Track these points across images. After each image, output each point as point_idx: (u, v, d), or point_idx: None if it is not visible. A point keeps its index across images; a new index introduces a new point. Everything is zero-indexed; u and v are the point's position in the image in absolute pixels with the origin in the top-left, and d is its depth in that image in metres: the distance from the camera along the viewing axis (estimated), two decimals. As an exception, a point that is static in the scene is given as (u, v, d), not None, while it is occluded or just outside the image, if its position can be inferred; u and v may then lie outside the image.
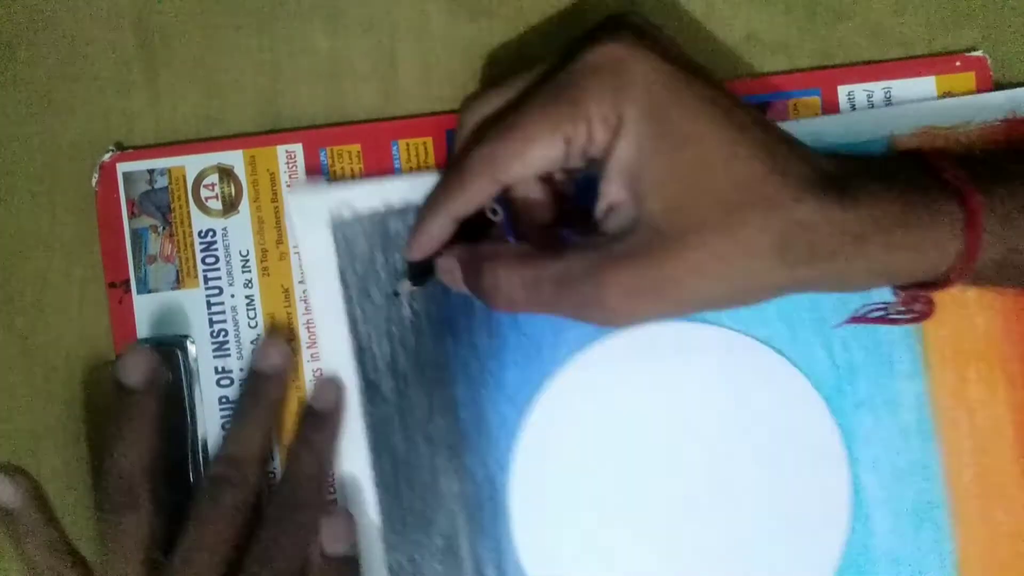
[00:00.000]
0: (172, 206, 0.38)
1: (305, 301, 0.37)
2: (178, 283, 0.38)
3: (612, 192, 0.31)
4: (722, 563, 0.37)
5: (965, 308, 0.38)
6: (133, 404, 0.34)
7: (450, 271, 0.34)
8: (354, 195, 0.37)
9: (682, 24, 0.38)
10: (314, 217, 0.37)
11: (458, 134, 0.34)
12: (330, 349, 0.37)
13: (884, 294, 0.36)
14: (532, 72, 0.33)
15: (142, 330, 0.37)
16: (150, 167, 0.38)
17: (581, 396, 0.37)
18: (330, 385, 0.37)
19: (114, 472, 0.33)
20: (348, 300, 0.37)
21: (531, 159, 0.31)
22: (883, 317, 0.36)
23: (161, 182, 0.37)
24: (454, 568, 0.37)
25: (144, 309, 0.37)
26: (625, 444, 0.37)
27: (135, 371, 0.34)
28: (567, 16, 0.39)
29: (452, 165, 0.33)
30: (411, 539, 0.37)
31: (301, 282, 0.37)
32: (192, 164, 0.37)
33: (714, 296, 0.30)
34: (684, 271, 0.29)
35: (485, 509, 0.37)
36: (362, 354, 0.37)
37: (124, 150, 0.38)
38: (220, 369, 0.37)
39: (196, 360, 0.37)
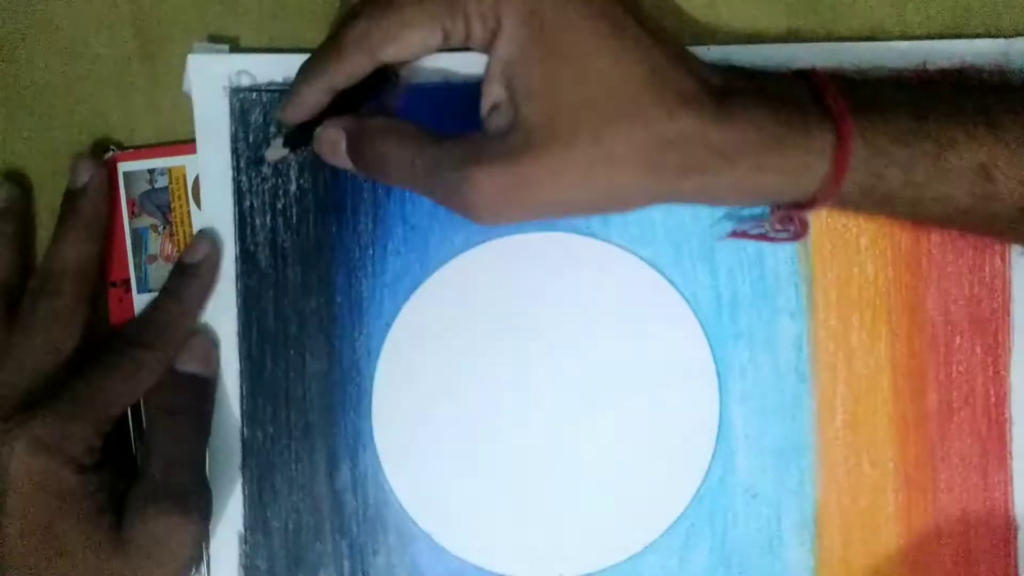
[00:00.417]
0: (172, 205, 0.37)
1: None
2: None
3: (493, 92, 0.31)
4: (581, 476, 0.37)
5: (857, 253, 0.37)
6: (76, 207, 0.36)
7: (333, 142, 0.33)
8: (255, 65, 0.37)
9: (682, 23, 0.38)
10: (212, 80, 0.37)
11: None
12: (212, 214, 0.37)
13: (764, 211, 0.36)
14: None
15: None
16: (150, 167, 0.37)
17: (459, 295, 0.37)
18: (203, 240, 0.37)
19: (45, 263, 0.35)
20: (236, 168, 0.37)
21: (407, 44, 0.32)
22: (763, 234, 0.36)
23: (161, 182, 0.37)
24: (307, 448, 0.37)
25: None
26: (496, 348, 0.37)
27: (82, 176, 0.36)
28: None
29: (331, 34, 0.33)
30: (269, 413, 0.37)
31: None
32: (192, 163, 0.37)
33: (577, 201, 0.31)
34: (546, 174, 0.30)
35: (348, 394, 0.37)
36: (243, 223, 0.37)
37: (124, 150, 0.38)
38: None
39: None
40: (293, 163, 0.37)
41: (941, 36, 0.38)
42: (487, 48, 0.31)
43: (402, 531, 0.37)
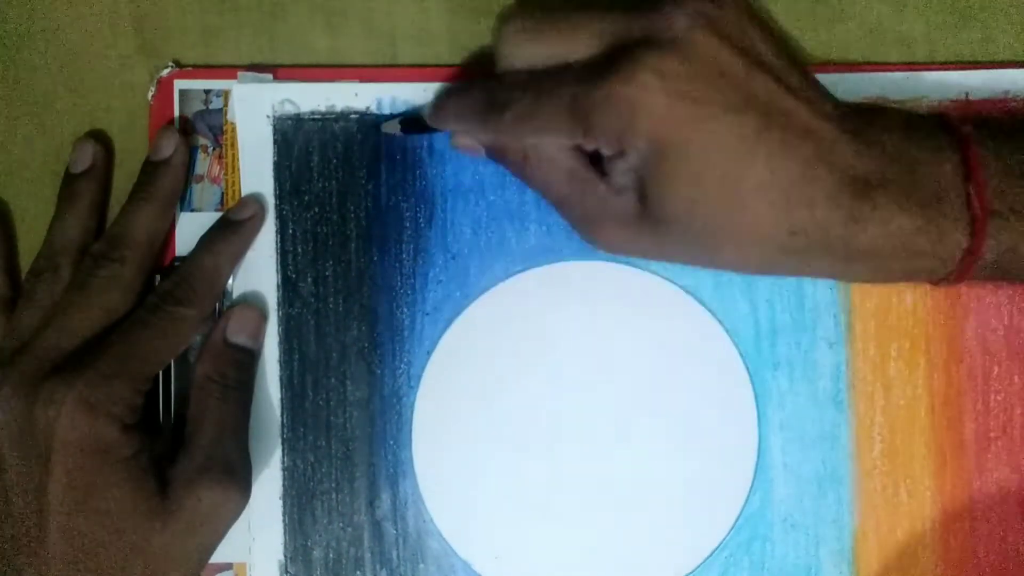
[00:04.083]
0: (224, 128, 0.37)
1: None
2: (222, 205, 0.37)
3: (618, 177, 0.32)
4: (620, 505, 0.37)
5: (896, 284, 0.37)
6: (76, 189, 0.36)
7: (469, 148, 0.35)
8: (299, 94, 0.37)
9: None
10: (256, 109, 0.37)
11: (501, 53, 0.32)
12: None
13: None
14: (584, 29, 0.31)
15: (182, 247, 0.37)
16: (207, 87, 0.37)
17: (500, 323, 0.37)
18: (251, 200, 0.37)
19: (113, 229, 0.35)
20: (278, 196, 0.37)
21: (546, 141, 0.33)
22: None
23: (216, 103, 0.37)
24: (349, 476, 0.37)
25: (186, 227, 0.37)
26: (537, 376, 0.37)
27: (82, 160, 0.36)
28: None
29: (492, 96, 0.33)
30: (310, 441, 0.37)
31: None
32: None
33: (701, 264, 0.33)
34: (678, 248, 0.32)
35: (389, 422, 0.37)
36: (285, 251, 0.37)
37: (183, 67, 0.38)
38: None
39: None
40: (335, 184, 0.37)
41: (941, 36, 0.38)
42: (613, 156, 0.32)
43: (442, 561, 0.37)
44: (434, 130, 0.35)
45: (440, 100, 0.35)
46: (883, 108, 0.33)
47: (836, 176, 0.30)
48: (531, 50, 0.31)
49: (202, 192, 0.37)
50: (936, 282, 0.32)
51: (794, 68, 0.31)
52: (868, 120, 0.31)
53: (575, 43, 0.31)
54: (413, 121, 0.36)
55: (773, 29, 0.32)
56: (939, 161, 0.31)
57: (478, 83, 0.33)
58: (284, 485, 0.37)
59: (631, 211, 0.31)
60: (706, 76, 0.29)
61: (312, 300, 0.37)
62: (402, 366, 0.37)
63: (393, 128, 0.36)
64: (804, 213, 0.30)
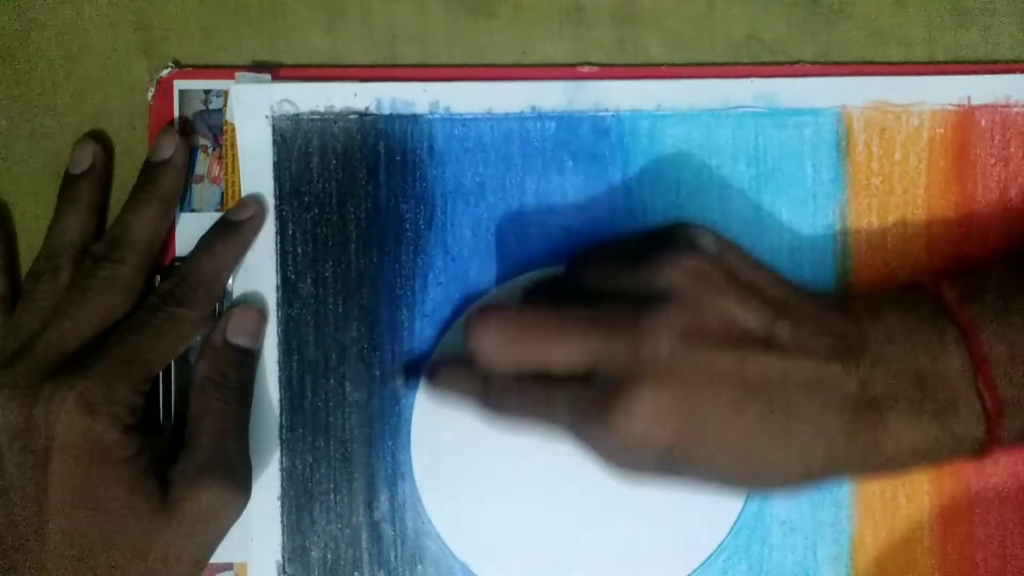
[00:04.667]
0: (224, 128, 0.37)
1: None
2: (222, 205, 0.37)
3: None
4: (618, 509, 0.37)
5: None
6: (75, 189, 0.36)
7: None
8: (297, 94, 0.37)
9: (682, 24, 0.38)
10: (254, 109, 0.37)
11: (481, 355, 0.32)
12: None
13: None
14: (567, 342, 0.31)
15: (182, 248, 0.37)
16: (207, 87, 0.37)
17: (499, 325, 0.37)
18: (251, 201, 0.37)
19: (114, 230, 0.35)
20: (278, 196, 0.37)
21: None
22: None
23: (216, 103, 0.37)
24: (347, 477, 0.37)
25: (186, 228, 0.37)
26: (537, 378, 0.37)
27: (81, 161, 0.36)
28: (567, 16, 0.38)
29: (486, 396, 0.33)
30: (308, 442, 0.37)
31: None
32: None
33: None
34: (687, 479, 0.31)
35: (388, 424, 0.37)
36: (284, 252, 0.37)
37: (183, 68, 0.37)
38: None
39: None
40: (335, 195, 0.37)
41: (941, 36, 0.38)
42: None
43: (440, 562, 0.37)
44: None
45: (433, 381, 0.34)
46: (875, 304, 0.32)
47: (848, 416, 0.30)
48: (512, 359, 0.31)
49: (202, 192, 0.37)
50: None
51: (782, 314, 0.31)
52: (865, 333, 0.31)
53: (558, 360, 0.31)
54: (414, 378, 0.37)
55: (747, 264, 0.31)
56: (944, 360, 0.31)
57: (468, 373, 0.33)
58: (283, 486, 0.37)
59: (655, 471, 0.31)
60: (702, 391, 0.29)
61: (312, 301, 0.37)
62: (402, 368, 0.37)
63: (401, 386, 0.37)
64: (823, 462, 0.30)
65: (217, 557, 0.35)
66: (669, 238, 0.32)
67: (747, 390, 0.30)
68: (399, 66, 0.38)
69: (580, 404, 0.30)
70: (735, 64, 0.38)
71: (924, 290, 0.33)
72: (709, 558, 0.37)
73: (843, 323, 0.31)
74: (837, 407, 0.30)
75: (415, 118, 0.37)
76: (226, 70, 0.37)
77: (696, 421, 0.29)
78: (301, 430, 0.37)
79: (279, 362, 0.37)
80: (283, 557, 0.37)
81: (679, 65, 0.38)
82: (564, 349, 0.30)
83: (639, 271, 0.31)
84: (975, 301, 0.32)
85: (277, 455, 0.37)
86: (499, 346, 0.31)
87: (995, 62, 0.38)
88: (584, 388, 0.30)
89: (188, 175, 0.37)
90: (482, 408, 0.33)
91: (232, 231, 0.36)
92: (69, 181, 0.37)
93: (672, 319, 0.29)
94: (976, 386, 0.30)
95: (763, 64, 0.38)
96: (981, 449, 0.31)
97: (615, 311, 0.30)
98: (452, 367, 0.34)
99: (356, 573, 0.37)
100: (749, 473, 0.31)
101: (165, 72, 0.37)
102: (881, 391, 0.30)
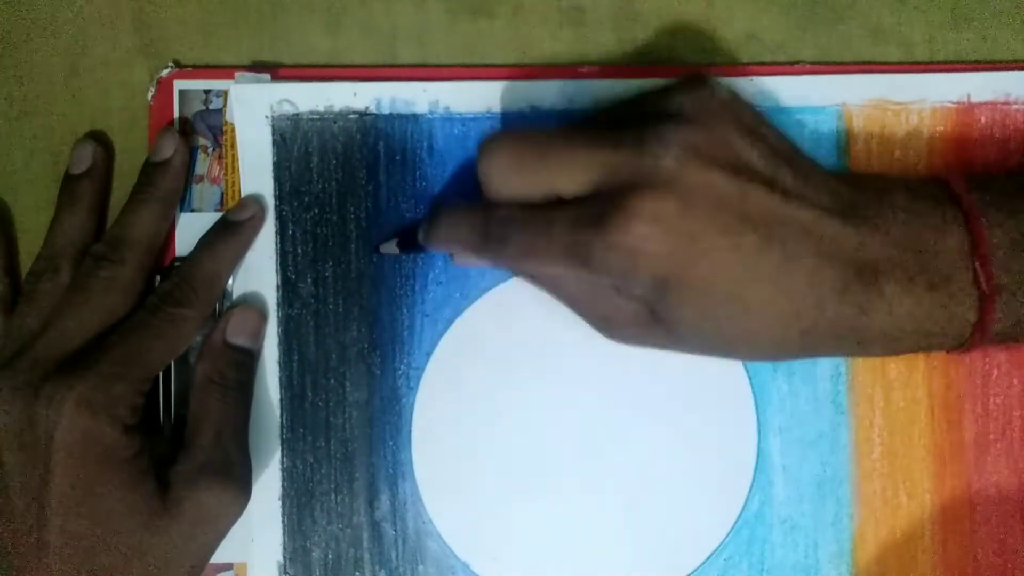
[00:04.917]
0: (224, 128, 0.37)
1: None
2: (222, 205, 0.37)
3: (627, 294, 0.32)
4: (619, 507, 0.37)
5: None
6: (76, 190, 0.36)
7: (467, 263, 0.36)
8: (297, 94, 0.37)
9: (682, 24, 0.38)
10: (254, 109, 0.37)
11: (489, 183, 0.32)
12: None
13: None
14: (573, 165, 0.31)
15: (182, 248, 0.37)
16: (207, 87, 0.37)
17: (499, 325, 0.37)
18: (251, 201, 0.37)
19: (114, 230, 0.35)
20: (278, 196, 0.37)
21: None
22: None
23: (216, 103, 0.37)
24: (348, 477, 0.37)
25: (186, 228, 0.37)
26: (536, 379, 0.37)
27: (81, 161, 0.36)
28: (567, 15, 0.38)
29: (486, 228, 0.33)
30: (309, 442, 0.37)
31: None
32: None
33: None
34: (683, 345, 0.33)
35: (388, 423, 0.37)
36: (284, 252, 0.37)
37: (183, 68, 0.37)
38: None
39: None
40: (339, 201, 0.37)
41: (941, 36, 0.38)
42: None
43: (440, 562, 0.37)
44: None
45: (432, 224, 0.34)
46: (884, 181, 0.33)
47: (841, 271, 0.30)
48: (521, 183, 0.31)
49: (202, 192, 0.37)
50: (947, 351, 0.33)
51: (787, 163, 0.31)
52: (869, 200, 0.31)
53: (565, 179, 0.31)
54: (410, 239, 0.36)
55: (758, 118, 0.32)
56: (944, 237, 0.31)
57: (469, 210, 0.33)
58: (283, 486, 0.37)
59: (644, 318, 0.32)
60: (701, 209, 0.29)
61: (312, 301, 0.37)
62: (401, 367, 0.37)
63: (391, 249, 0.36)
64: (814, 314, 0.30)
65: (217, 557, 0.35)
66: (688, 77, 0.32)
67: (745, 220, 0.30)
68: (399, 66, 0.38)
69: (582, 220, 0.30)
70: (735, 63, 0.38)
71: (935, 179, 0.33)
72: (710, 557, 0.37)
73: (849, 190, 0.32)
74: (831, 259, 0.30)
75: (415, 118, 0.37)
76: (226, 70, 0.37)
77: (692, 242, 0.29)
78: (302, 430, 0.37)
79: (279, 362, 0.37)
80: (284, 557, 0.37)
81: (679, 65, 0.38)
82: (571, 167, 0.30)
83: (655, 98, 0.31)
84: (983, 191, 0.32)
85: (278, 455, 0.37)
86: (509, 167, 0.31)
87: (995, 62, 0.38)
88: (587, 205, 0.30)
89: (188, 175, 0.37)
90: (482, 245, 0.33)
91: (232, 231, 0.36)
92: (69, 181, 0.37)
93: (680, 135, 0.30)
94: (973, 266, 0.31)
95: (763, 64, 0.38)
96: (971, 337, 0.31)
97: (624, 129, 0.30)
98: (453, 206, 0.34)
99: (357, 573, 0.37)
100: (740, 315, 0.30)
101: (165, 72, 0.37)
102: (878, 255, 0.30)
